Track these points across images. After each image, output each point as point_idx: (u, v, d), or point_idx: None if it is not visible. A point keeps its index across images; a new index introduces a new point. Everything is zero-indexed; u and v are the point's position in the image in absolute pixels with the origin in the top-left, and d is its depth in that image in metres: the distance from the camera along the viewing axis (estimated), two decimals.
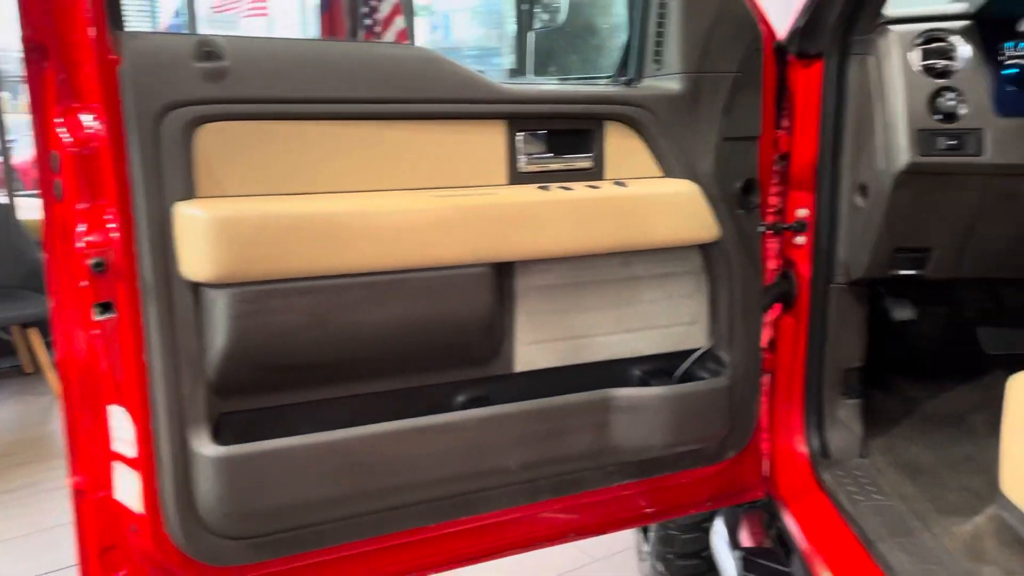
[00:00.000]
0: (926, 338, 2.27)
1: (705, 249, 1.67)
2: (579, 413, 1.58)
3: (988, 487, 1.59)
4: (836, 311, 1.78)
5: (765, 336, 1.81)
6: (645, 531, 2.48)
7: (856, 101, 1.66)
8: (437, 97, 1.42)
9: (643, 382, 1.69)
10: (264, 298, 1.31)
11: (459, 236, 1.42)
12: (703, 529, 2.18)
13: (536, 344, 1.59)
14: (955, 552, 1.48)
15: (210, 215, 1.25)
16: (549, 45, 1.99)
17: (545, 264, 1.55)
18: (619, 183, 1.57)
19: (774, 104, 1.72)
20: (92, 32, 1.19)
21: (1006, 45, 1.66)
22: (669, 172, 1.61)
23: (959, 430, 1.92)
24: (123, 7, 1.26)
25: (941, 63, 1.63)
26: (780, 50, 1.70)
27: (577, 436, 1.58)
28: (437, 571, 1.61)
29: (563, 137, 1.55)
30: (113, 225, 1.26)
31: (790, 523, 1.78)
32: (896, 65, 1.63)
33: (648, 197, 1.57)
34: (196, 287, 1.29)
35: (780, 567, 1.80)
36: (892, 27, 1.66)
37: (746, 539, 1.97)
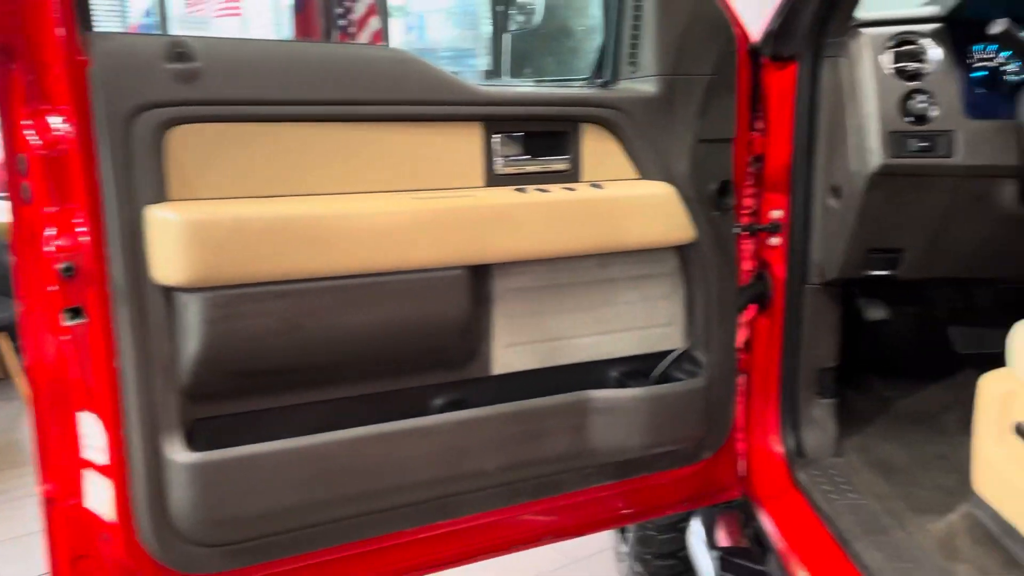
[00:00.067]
0: (899, 338, 2.29)
1: (681, 251, 1.68)
2: (556, 415, 1.57)
3: (960, 485, 1.61)
4: (810, 311, 1.80)
5: (741, 337, 1.82)
6: (623, 532, 2.48)
7: (829, 103, 1.68)
8: (412, 99, 1.42)
9: (620, 384, 1.69)
10: (238, 302, 1.29)
11: (435, 238, 1.42)
12: (680, 529, 2.19)
13: (513, 346, 1.59)
14: (929, 550, 1.49)
15: (182, 218, 1.23)
16: (524, 47, 1.99)
17: (522, 266, 1.55)
18: (595, 185, 1.57)
19: (748, 106, 1.73)
20: (61, 33, 1.17)
21: (975, 48, 1.68)
22: (645, 174, 1.61)
23: (931, 429, 1.94)
24: (92, 7, 1.24)
25: (912, 66, 1.65)
26: (754, 52, 1.71)
27: (555, 438, 1.58)
28: (415, 575, 1.60)
29: (539, 139, 1.55)
30: (83, 229, 1.24)
31: (766, 522, 1.79)
32: (868, 67, 1.64)
33: (624, 199, 1.58)
34: (168, 291, 1.27)
35: (757, 566, 1.81)
36: (864, 30, 1.67)
37: (723, 539, 1.98)
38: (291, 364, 1.38)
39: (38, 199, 1.25)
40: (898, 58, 1.65)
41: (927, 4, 1.81)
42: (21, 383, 4.24)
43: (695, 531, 2.05)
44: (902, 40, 1.67)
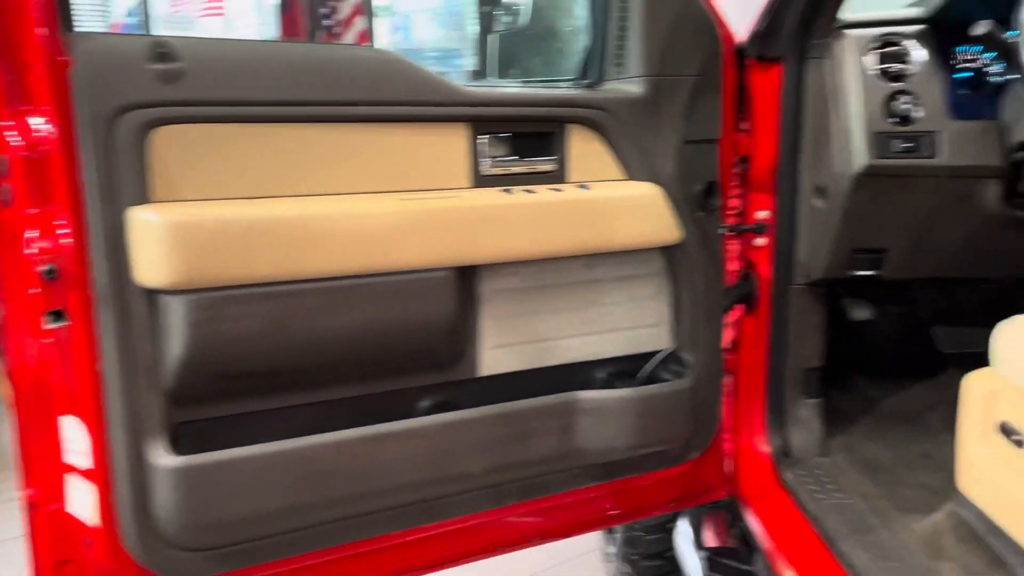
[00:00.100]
0: (883, 337, 2.30)
1: (667, 251, 1.68)
2: (544, 416, 1.57)
3: (945, 484, 1.62)
4: (796, 312, 1.80)
5: (727, 337, 1.82)
6: (611, 532, 2.48)
7: (814, 104, 1.69)
8: (398, 100, 1.41)
9: (607, 384, 1.69)
10: (222, 304, 1.28)
11: (422, 240, 1.41)
12: (668, 530, 2.20)
13: (500, 348, 1.58)
14: (914, 549, 1.50)
15: (166, 220, 1.22)
16: (511, 47, 1.98)
17: (509, 267, 1.55)
18: (582, 186, 1.57)
19: (734, 107, 1.73)
20: (42, 33, 1.16)
21: (959, 49, 1.69)
22: (631, 175, 1.61)
23: (916, 428, 1.96)
24: (74, 7, 1.23)
25: (896, 67, 1.66)
26: (739, 54, 1.72)
27: (542, 440, 1.57)
28: None
29: (526, 140, 1.55)
30: (65, 231, 1.23)
31: (753, 522, 1.80)
32: (852, 69, 1.65)
33: (611, 200, 1.58)
34: (151, 294, 1.26)
35: (743, 566, 1.82)
36: (848, 31, 1.68)
37: (710, 539, 1.98)
38: (276, 367, 1.38)
39: (19, 201, 1.24)
40: (882, 59, 1.66)
41: (911, 5, 1.82)
42: (3, 387, 4.20)
43: (682, 531, 2.05)
44: (886, 41, 1.68)
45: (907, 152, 1.63)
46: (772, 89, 1.71)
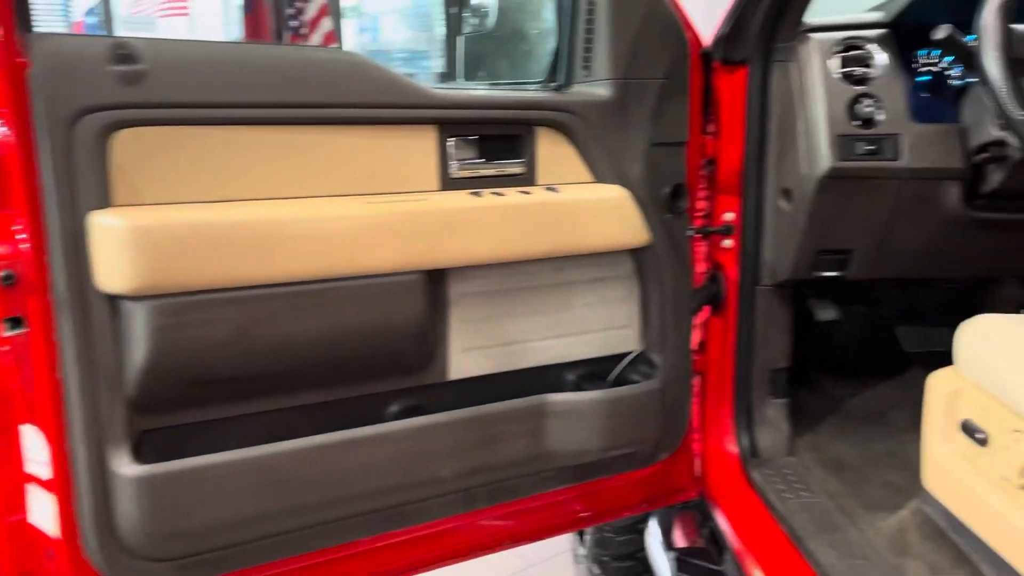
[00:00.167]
0: (849, 337, 2.33)
1: (636, 253, 1.69)
2: (513, 420, 1.57)
3: (910, 482, 1.64)
4: (763, 312, 1.82)
5: (695, 338, 1.83)
6: (581, 534, 2.48)
7: (779, 107, 1.70)
8: (366, 102, 1.40)
9: (577, 386, 1.69)
10: (186, 310, 1.26)
11: (390, 243, 1.40)
12: (638, 531, 2.20)
13: (470, 351, 1.58)
14: (880, 547, 1.52)
15: (127, 224, 1.20)
16: (479, 50, 1.98)
17: (478, 270, 1.54)
18: (551, 188, 1.57)
19: (700, 110, 1.74)
20: None
21: (919, 53, 1.72)
22: (600, 177, 1.61)
23: (881, 427, 1.98)
24: (32, 7, 1.21)
25: (859, 70, 1.68)
26: (706, 57, 1.73)
27: (512, 443, 1.57)
28: None
29: (494, 142, 1.54)
30: (23, 236, 1.20)
31: (722, 522, 1.81)
32: (816, 72, 1.67)
33: (580, 202, 1.58)
34: (113, 300, 1.24)
35: (713, 566, 1.83)
36: (813, 35, 1.70)
37: (680, 539, 1.99)
38: (242, 373, 1.36)
39: None
40: (845, 63, 1.68)
41: (873, 10, 1.84)
42: None
43: (652, 532, 2.06)
44: (849, 45, 1.70)
45: (870, 154, 1.65)
46: (738, 92, 1.72)
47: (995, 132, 1.59)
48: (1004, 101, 1.40)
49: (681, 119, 1.69)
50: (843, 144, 1.64)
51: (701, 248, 1.84)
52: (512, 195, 1.52)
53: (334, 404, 1.47)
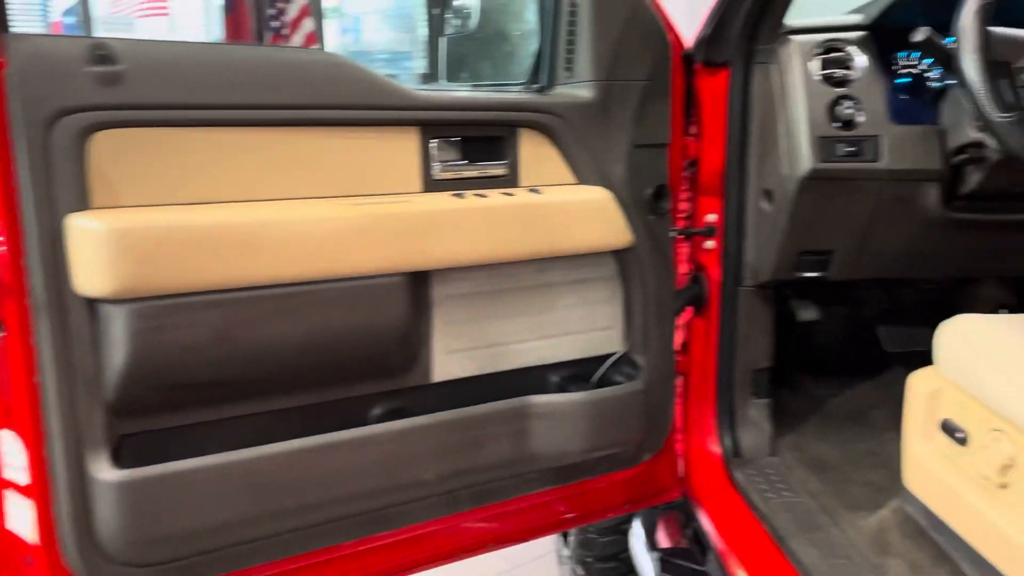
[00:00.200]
0: (830, 337, 2.35)
1: (619, 255, 1.69)
2: (497, 422, 1.57)
3: (890, 481, 1.65)
4: (745, 313, 1.83)
5: (678, 339, 1.84)
6: (565, 535, 2.48)
7: (760, 109, 1.71)
8: (347, 103, 1.39)
9: (560, 388, 1.69)
10: (166, 313, 1.25)
11: (372, 245, 1.39)
12: (622, 531, 2.21)
13: (453, 353, 1.57)
14: (862, 546, 1.53)
15: (106, 227, 1.19)
16: (461, 51, 1.97)
17: (461, 272, 1.54)
18: (534, 190, 1.57)
19: (683, 112, 1.75)
20: None
21: (899, 55, 1.73)
22: (582, 179, 1.61)
23: (862, 426, 1.99)
24: (9, 7, 1.19)
25: (839, 72, 1.69)
26: (687, 59, 1.73)
27: (496, 445, 1.57)
28: None
29: (477, 144, 1.54)
30: (0, 239, 1.18)
31: (705, 522, 1.81)
32: (797, 74, 1.68)
33: (562, 204, 1.58)
34: (92, 303, 1.22)
35: (696, 567, 1.83)
36: (793, 37, 1.71)
37: (663, 540, 1.99)
38: (223, 376, 1.35)
39: None
40: (826, 65, 1.69)
41: (853, 12, 1.85)
42: None
43: (636, 533, 2.06)
44: (829, 47, 1.71)
45: (850, 156, 1.66)
46: (720, 94, 1.73)
47: (973, 134, 1.61)
48: (982, 103, 1.42)
49: (663, 121, 1.69)
50: (824, 145, 1.65)
51: (683, 249, 1.84)
52: (495, 197, 1.52)
53: (316, 407, 1.46)
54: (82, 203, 1.20)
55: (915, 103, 1.70)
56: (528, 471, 1.64)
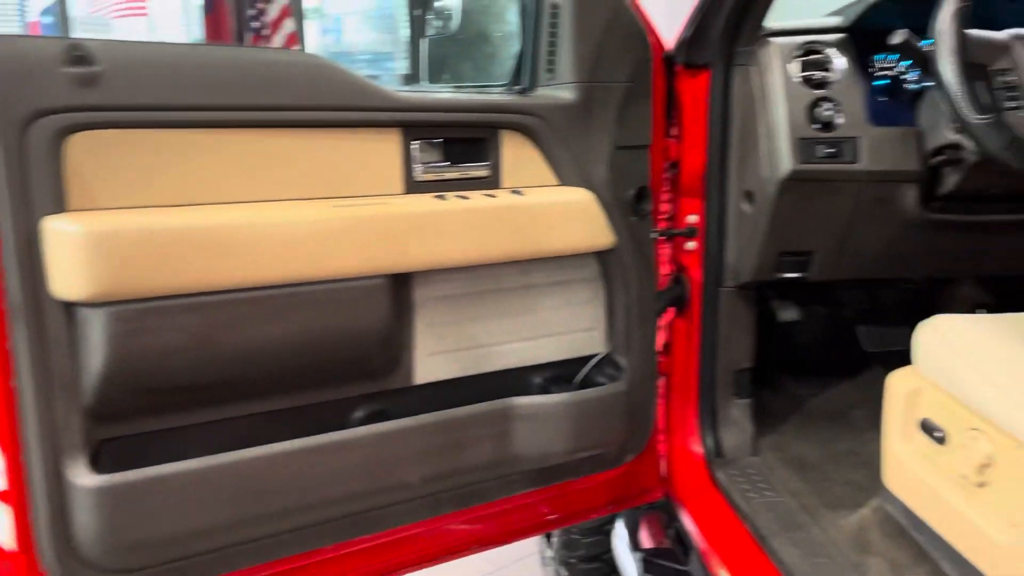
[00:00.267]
0: (810, 338, 2.36)
1: (601, 256, 1.69)
2: (480, 424, 1.56)
3: (870, 480, 1.66)
4: (726, 314, 1.84)
5: (660, 340, 1.84)
6: (548, 536, 2.48)
7: (741, 110, 1.72)
8: (328, 105, 1.39)
9: (543, 389, 1.69)
10: (145, 316, 1.24)
11: (354, 247, 1.39)
12: (605, 532, 2.21)
13: (436, 355, 1.57)
14: (842, 545, 1.54)
15: (83, 229, 1.18)
16: (443, 52, 1.97)
17: (443, 274, 1.53)
18: (516, 192, 1.57)
19: (664, 113, 1.75)
20: None
21: (877, 57, 1.74)
22: (564, 180, 1.62)
23: (842, 426, 2.01)
24: None
25: (819, 74, 1.70)
26: (668, 60, 1.74)
27: (478, 447, 1.57)
28: None
29: (459, 146, 1.54)
30: None
31: (687, 522, 1.82)
32: (777, 76, 1.69)
33: (545, 205, 1.58)
34: (69, 307, 1.21)
35: (679, 567, 1.84)
36: (773, 39, 1.72)
37: (646, 540, 2.00)
38: (204, 380, 1.33)
39: None
40: (805, 67, 1.70)
41: (832, 15, 1.87)
42: None
43: (619, 533, 2.07)
44: (809, 50, 1.72)
45: (830, 157, 1.67)
46: (700, 95, 1.74)
47: (950, 135, 1.62)
48: (959, 105, 1.43)
49: (644, 122, 1.70)
50: (803, 147, 1.66)
51: (665, 250, 1.85)
52: (477, 198, 1.52)
53: (298, 410, 1.45)
54: (59, 205, 1.19)
55: (893, 105, 1.72)
56: (511, 473, 1.64)
